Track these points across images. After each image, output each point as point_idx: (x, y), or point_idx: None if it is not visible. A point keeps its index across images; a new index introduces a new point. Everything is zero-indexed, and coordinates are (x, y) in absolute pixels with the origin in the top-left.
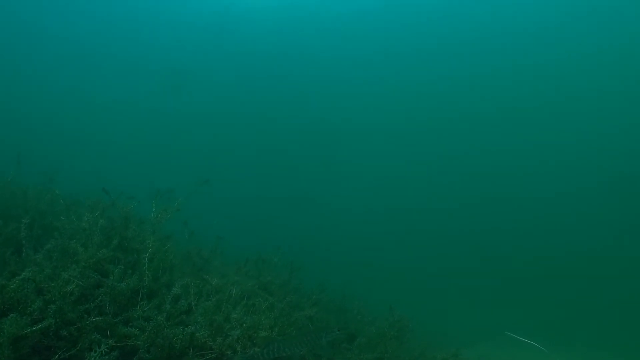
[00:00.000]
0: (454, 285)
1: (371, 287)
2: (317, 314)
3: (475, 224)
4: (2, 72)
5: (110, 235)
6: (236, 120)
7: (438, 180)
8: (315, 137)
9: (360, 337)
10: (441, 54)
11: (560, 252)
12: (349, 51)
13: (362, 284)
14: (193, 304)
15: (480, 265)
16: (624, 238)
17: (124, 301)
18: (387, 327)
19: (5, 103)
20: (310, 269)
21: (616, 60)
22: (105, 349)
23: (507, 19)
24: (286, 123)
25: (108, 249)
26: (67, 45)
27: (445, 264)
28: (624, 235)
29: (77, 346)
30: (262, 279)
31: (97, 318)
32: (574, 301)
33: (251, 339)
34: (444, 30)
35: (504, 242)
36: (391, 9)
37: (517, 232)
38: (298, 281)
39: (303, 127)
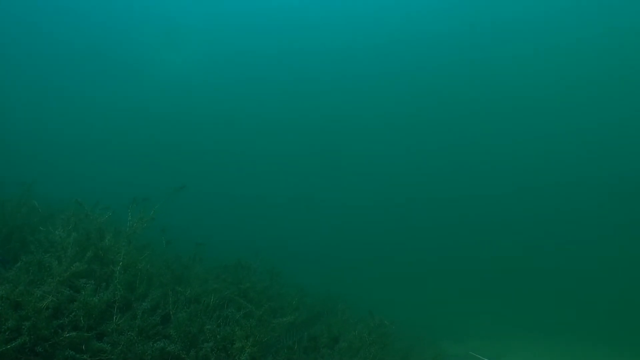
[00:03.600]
0: (443, 280)
1: (359, 286)
2: (298, 319)
3: (463, 218)
4: None
5: (85, 247)
6: (212, 121)
7: (423, 173)
8: (294, 136)
9: (342, 341)
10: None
11: (550, 244)
12: (334, 43)
13: (349, 283)
14: (171, 313)
15: (470, 260)
16: (615, 231)
17: (98, 315)
18: (367, 333)
19: None
20: (294, 272)
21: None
22: None
23: (514, 13)
24: (263, 122)
25: (82, 262)
26: (46, 47)
27: (434, 259)
28: (615, 228)
29: None
30: (241, 286)
31: (71, 333)
32: (564, 294)
33: (225, 349)
34: (440, 26)
35: (494, 236)
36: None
37: (506, 225)
38: (279, 286)
39: (280, 126)
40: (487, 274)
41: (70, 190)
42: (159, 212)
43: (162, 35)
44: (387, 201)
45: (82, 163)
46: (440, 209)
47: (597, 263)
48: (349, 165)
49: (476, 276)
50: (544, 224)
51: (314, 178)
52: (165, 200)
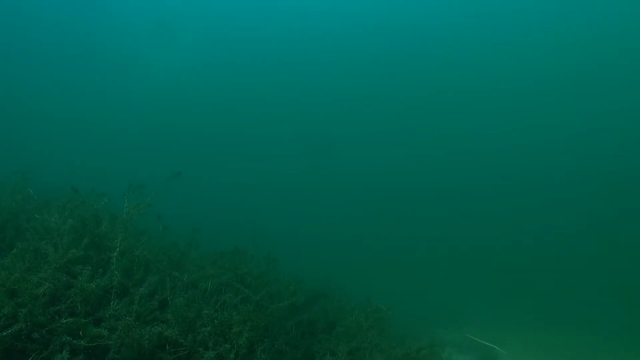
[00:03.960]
0: (440, 268)
1: (356, 273)
2: (295, 304)
3: (461, 205)
4: None
5: (82, 234)
6: (207, 108)
7: (420, 161)
8: (290, 123)
9: (339, 327)
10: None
11: (549, 232)
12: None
13: (347, 270)
14: (169, 298)
15: (468, 248)
16: (617, 218)
17: (95, 301)
18: (364, 318)
19: None
20: (291, 258)
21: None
22: (73, 351)
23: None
24: (257, 109)
25: (78, 249)
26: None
27: (432, 245)
28: (618, 214)
29: (49, 348)
30: (238, 272)
31: (67, 319)
32: (562, 282)
33: (223, 334)
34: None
35: (492, 224)
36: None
37: (505, 213)
38: (276, 272)
39: (275, 112)
40: (484, 262)
41: (66, 179)
42: (155, 199)
43: (156, 25)
44: (384, 189)
45: (78, 152)
46: (438, 197)
47: (597, 250)
48: (347, 151)
49: (473, 264)
50: (543, 212)
51: (310, 164)
52: (162, 187)
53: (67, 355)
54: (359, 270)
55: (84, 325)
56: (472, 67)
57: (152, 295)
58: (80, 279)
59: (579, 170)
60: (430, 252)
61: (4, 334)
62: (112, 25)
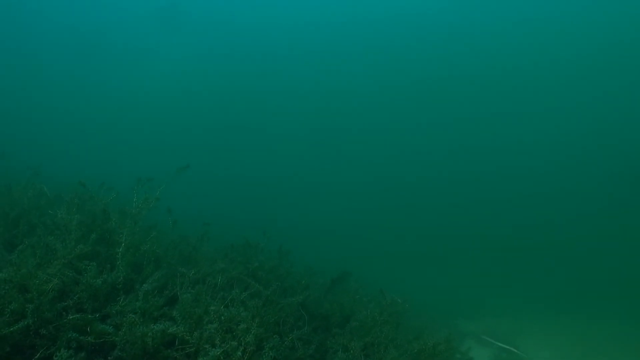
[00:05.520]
0: (458, 258)
1: (372, 264)
2: (308, 298)
3: (479, 195)
4: None
5: (91, 229)
6: (214, 101)
7: (437, 150)
8: (299, 115)
9: (353, 321)
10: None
11: (567, 222)
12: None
13: (362, 262)
14: (179, 293)
15: (486, 238)
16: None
17: (103, 297)
18: (379, 312)
19: None
20: (305, 251)
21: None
22: (80, 347)
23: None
24: (266, 100)
25: (86, 245)
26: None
27: (449, 237)
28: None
29: (56, 344)
30: (249, 266)
31: (74, 316)
32: (581, 272)
33: (231, 331)
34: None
35: (510, 213)
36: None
37: (523, 202)
38: (289, 265)
39: (285, 104)
40: (503, 252)
41: (78, 173)
42: (166, 193)
43: (163, 20)
44: (400, 178)
45: (89, 146)
46: (454, 186)
47: (614, 240)
48: (361, 142)
49: (492, 254)
50: (562, 201)
51: (324, 155)
52: (171, 181)
53: (72, 353)
54: (375, 262)
55: (90, 321)
56: (483, 61)
57: (162, 290)
58: (85, 275)
59: (591, 160)
60: (447, 243)
61: (12, 329)
62: (122, 19)
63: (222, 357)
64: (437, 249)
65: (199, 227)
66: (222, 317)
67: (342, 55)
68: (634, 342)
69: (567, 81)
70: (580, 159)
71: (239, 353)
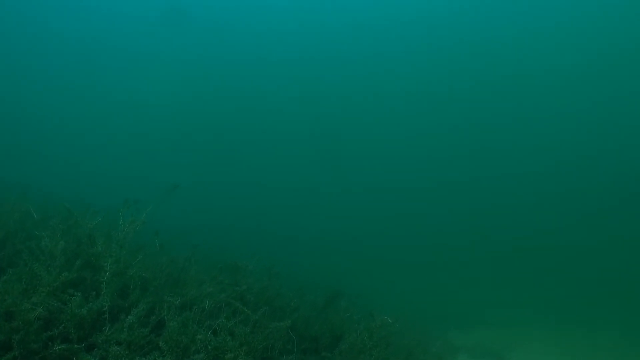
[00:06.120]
0: (452, 269)
1: (365, 276)
2: (297, 320)
3: (472, 205)
4: None
5: (76, 254)
6: (208, 118)
7: (427, 161)
8: (292, 129)
9: (343, 343)
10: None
11: (562, 232)
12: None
13: (355, 273)
14: (166, 318)
15: (479, 249)
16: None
17: (89, 325)
18: (367, 336)
19: None
20: (296, 267)
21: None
22: None
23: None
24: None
25: (71, 272)
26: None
27: (443, 248)
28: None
29: None
30: (237, 288)
31: (60, 346)
32: (576, 282)
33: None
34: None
35: (504, 223)
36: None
37: (517, 212)
38: (278, 286)
39: (268, 113)
40: (497, 262)
41: (70, 188)
42: (153, 214)
43: (160, 26)
44: (392, 190)
45: (82, 160)
46: (447, 196)
47: (610, 251)
48: (353, 153)
49: (486, 264)
50: (556, 210)
51: (315, 167)
52: (159, 202)
53: None
54: (368, 274)
55: (76, 351)
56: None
57: (149, 316)
58: (69, 305)
59: (590, 172)
60: (442, 254)
61: None
62: (118, 30)
63: None
64: (430, 256)
65: (187, 249)
66: (209, 346)
67: (347, 60)
68: (630, 353)
69: (567, 85)
70: (574, 169)
71: None
